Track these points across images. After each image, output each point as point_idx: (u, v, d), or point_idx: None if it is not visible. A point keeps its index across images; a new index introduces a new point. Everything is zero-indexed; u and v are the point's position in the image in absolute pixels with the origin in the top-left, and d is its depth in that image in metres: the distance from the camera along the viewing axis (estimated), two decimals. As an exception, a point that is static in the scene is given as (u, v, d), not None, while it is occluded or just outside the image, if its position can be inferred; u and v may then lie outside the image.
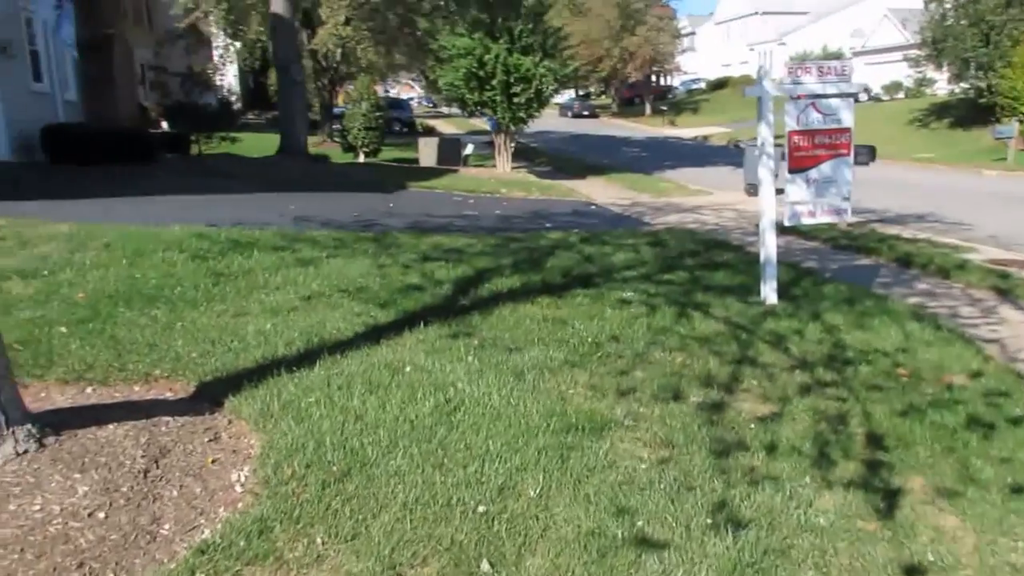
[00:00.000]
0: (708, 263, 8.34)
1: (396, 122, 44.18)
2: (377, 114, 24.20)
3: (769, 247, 6.56)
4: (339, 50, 29.45)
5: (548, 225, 11.21)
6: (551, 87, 19.00)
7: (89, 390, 4.42)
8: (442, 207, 12.70)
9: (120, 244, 7.37)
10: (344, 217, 10.42)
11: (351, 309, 5.89)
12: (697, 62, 65.93)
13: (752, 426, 4.16)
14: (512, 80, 18.64)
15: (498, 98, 18.80)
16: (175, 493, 3.41)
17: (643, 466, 3.68)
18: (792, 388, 4.70)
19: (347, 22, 25.85)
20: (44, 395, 4.34)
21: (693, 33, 68.74)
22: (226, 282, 6.44)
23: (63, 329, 5.16)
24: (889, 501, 3.51)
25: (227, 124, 31.46)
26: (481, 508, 3.27)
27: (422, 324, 5.55)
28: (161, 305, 5.74)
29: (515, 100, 18.87)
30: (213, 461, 3.69)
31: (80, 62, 17.62)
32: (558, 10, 51.10)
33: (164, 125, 23.59)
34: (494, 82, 18.51)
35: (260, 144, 22.36)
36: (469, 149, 25.50)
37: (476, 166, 23.22)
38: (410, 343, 5.23)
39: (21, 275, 6.26)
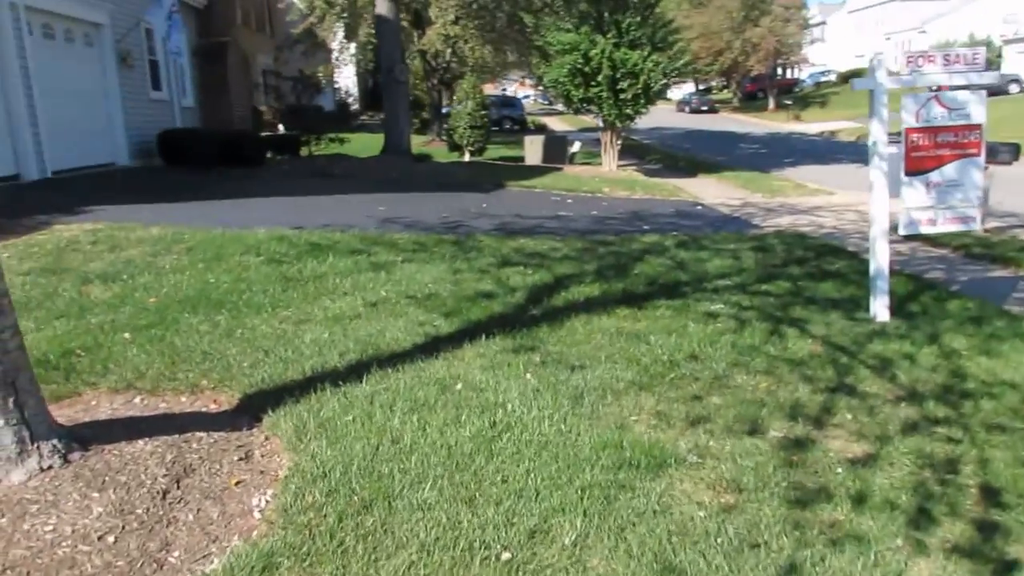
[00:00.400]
0: (815, 272, 7.66)
1: (507, 120, 44.34)
2: (482, 113, 24.17)
3: (880, 257, 5.89)
4: (448, 50, 29.68)
5: (645, 227, 10.71)
6: (660, 82, 18.35)
7: (137, 400, 4.37)
8: (537, 207, 12.41)
9: (202, 248, 7.46)
10: (432, 218, 10.29)
11: (415, 318, 5.68)
12: (827, 53, 62.89)
13: (839, 470, 3.63)
14: (619, 75, 18.12)
15: (604, 94, 18.32)
16: (191, 517, 3.26)
17: (701, 514, 3.24)
18: (894, 425, 4.11)
19: (456, 21, 25.96)
20: (95, 403, 4.32)
21: (823, 23, 65.63)
22: (295, 287, 6.37)
23: (127, 335, 5.19)
24: None
25: (342, 125, 32.42)
26: (506, 555, 2.94)
27: (485, 336, 5.27)
28: (226, 311, 5.71)
29: (621, 96, 18.34)
30: (237, 483, 3.52)
31: (195, 70, 18.46)
32: (678, 2, 49.95)
33: (280, 128, 24.43)
34: (599, 78, 18.05)
35: (369, 144, 22.76)
36: (576, 147, 25.11)
37: (582, 164, 22.82)
38: (468, 356, 4.95)
39: (103, 279, 6.40)
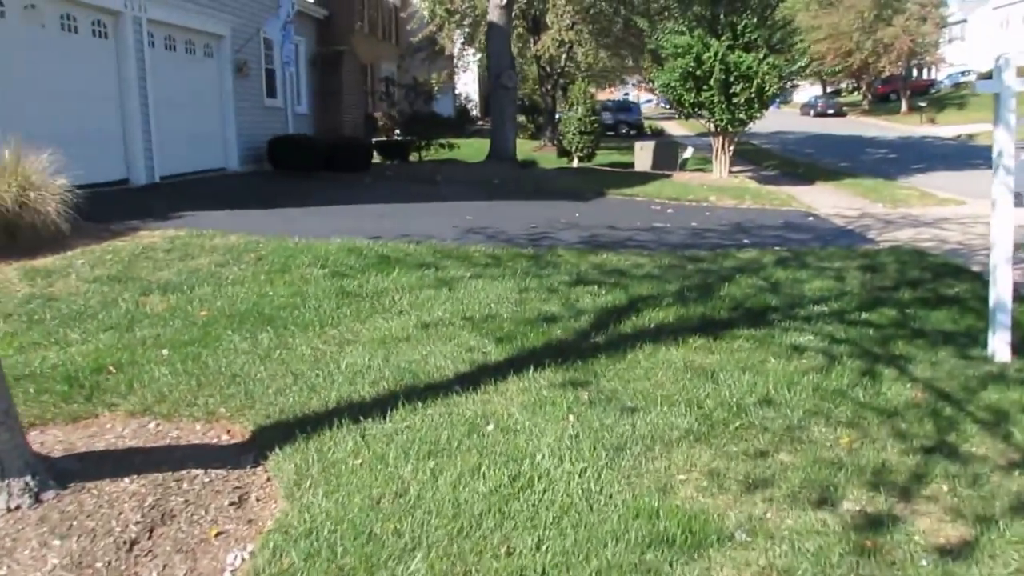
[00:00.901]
0: (929, 297, 6.65)
1: (623, 125, 43.42)
2: (592, 118, 23.57)
3: (1002, 286, 4.94)
4: (564, 55, 29.22)
5: (746, 241, 9.83)
6: (775, 85, 17.15)
7: (152, 425, 4.08)
8: (633, 217, 11.70)
9: (272, 257, 7.27)
10: (518, 228, 9.81)
11: (465, 342, 5.20)
12: (967, 52, 58.27)
13: (924, 562, 2.87)
14: (731, 79, 17.07)
15: (716, 98, 17.31)
16: (153, 575, 2.88)
17: (738, 618, 2.59)
18: (1002, 501, 3.28)
19: (571, 27, 25.43)
20: (109, 426, 4.07)
21: (963, 20, 60.90)
22: (351, 303, 6.02)
23: (164, 352, 4.96)
24: None
25: (458, 130, 32.51)
26: (483, 661, 2.39)
27: (535, 366, 4.72)
28: (273, 327, 5.41)
29: (734, 100, 17.28)
30: (218, 534, 3.13)
31: (312, 77, 18.76)
32: (806, 2, 47.43)
33: (396, 134, 24.55)
34: (711, 81, 17.05)
35: (479, 149, 22.55)
36: (688, 152, 24.08)
37: (695, 170, 21.81)
38: (511, 390, 4.41)
39: (163, 289, 6.26)
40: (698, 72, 17.20)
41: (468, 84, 46.55)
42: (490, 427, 3.93)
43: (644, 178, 18.60)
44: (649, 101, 71.65)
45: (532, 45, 27.76)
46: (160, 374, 4.59)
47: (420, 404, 4.18)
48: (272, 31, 14.16)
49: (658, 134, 40.92)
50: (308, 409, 4.16)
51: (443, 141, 23.07)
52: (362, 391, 4.39)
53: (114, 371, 4.65)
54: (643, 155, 23.08)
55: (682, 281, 7.07)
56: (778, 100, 55.79)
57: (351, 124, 19.47)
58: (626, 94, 64.53)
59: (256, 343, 5.14)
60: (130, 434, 3.98)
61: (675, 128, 46.58)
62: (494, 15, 18.82)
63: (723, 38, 17.27)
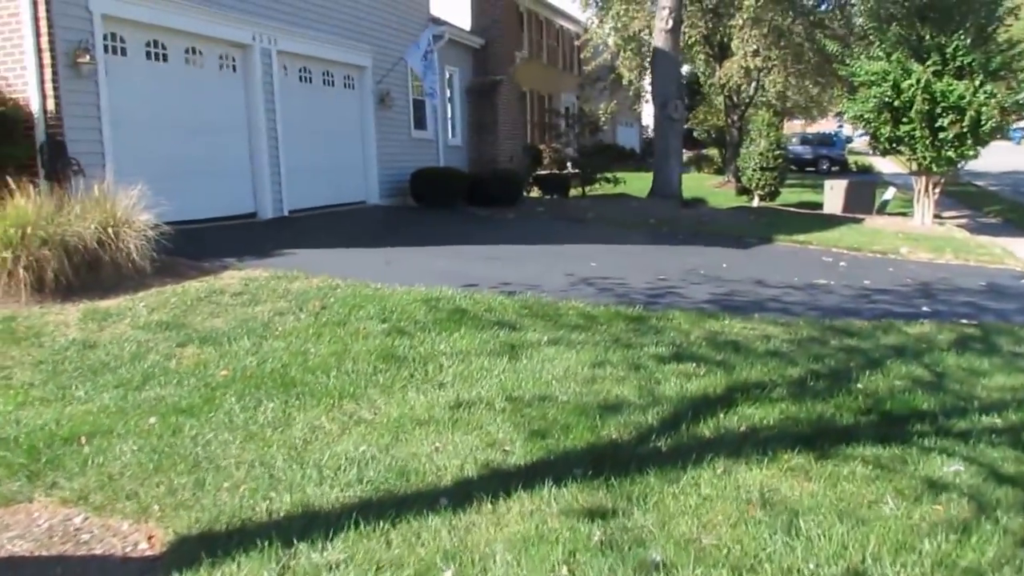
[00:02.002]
0: None
1: (824, 160, 40.44)
2: (776, 153, 21.82)
3: None
4: (753, 84, 27.55)
5: (925, 309, 8.17)
6: (993, 118, 14.77)
7: (78, 519, 3.57)
8: (792, 271, 10.24)
9: (338, 306, 6.77)
10: (642, 281, 8.76)
11: (491, 435, 4.33)
12: None
13: None
14: (938, 111, 14.95)
15: (917, 133, 15.23)
16: None
17: None
18: None
19: (756, 53, 23.86)
20: (36, 515, 3.61)
21: None
22: (390, 369, 5.33)
23: (152, 420, 4.51)
24: None
25: (640, 163, 31.59)
26: None
27: (558, 480, 3.76)
28: (284, 397, 4.83)
29: (940, 135, 15.11)
30: None
31: (465, 108, 18.69)
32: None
33: (568, 166, 24.00)
34: (912, 113, 15.02)
35: (646, 185, 21.54)
36: (889, 194, 21.66)
37: (896, 214, 19.50)
38: (511, 515, 3.50)
39: (204, 341, 5.90)
40: (896, 102, 15.23)
41: (649, 115, 45.45)
42: (448, 574, 3.03)
43: (828, 222, 16.75)
44: (862, 134, 66.84)
45: (716, 73, 26.36)
46: (124, 451, 4.11)
47: (382, 525, 3.37)
48: (413, 61, 14.07)
49: (864, 171, 37.73)
50: (249, 517, 3.48)
51: (609, 175, 22.26)
52: (326, 497, 3.64)
53: (84, 442, 4.23)
54: (833, 195, 20.99)
55: (811, 364, 5.76)
56: (1021, 134, 49.67)
57: (508, 156, 19.16)
58: (840, 126, 60.55)
59: (254, 416, 4.57)
60: (45, 531, 3.48)
61: (888, 165, 42.75)
62: (659, 40, 17.83)
63: (928, 63, 15.22)
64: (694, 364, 5.58)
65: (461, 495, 3.67)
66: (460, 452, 4.12)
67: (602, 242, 12.04)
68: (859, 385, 5.30)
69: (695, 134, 37.82)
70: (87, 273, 7.36)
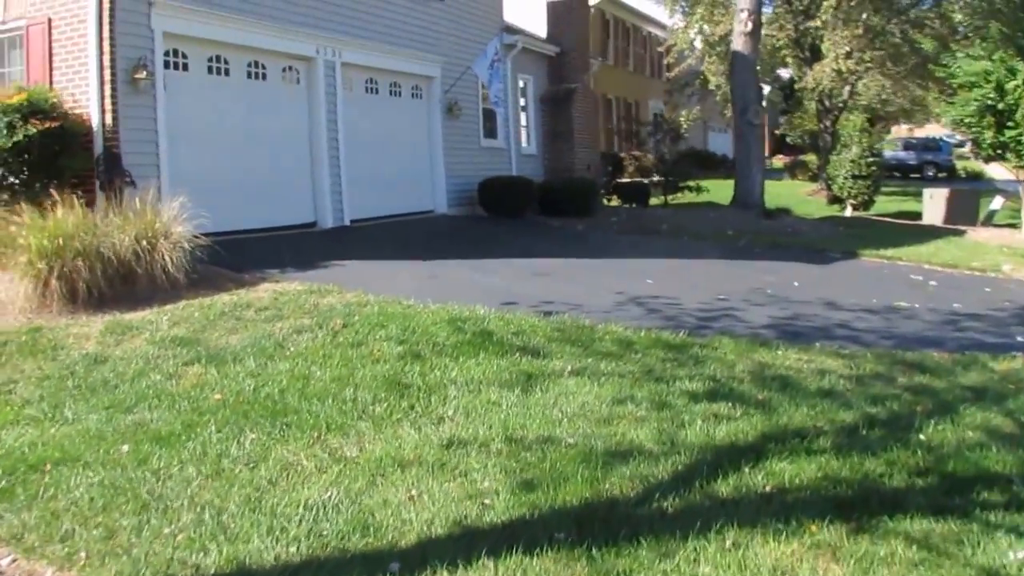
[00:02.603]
0: None
1: (930, 166, 37.93)
2: (869, 160, 20.39)
3: None
4: (847, 87, 25.99)
5: (1021, 339, 7.16)
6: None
7: (6, 560, 3.27)
8: (872, 291, 9.28)
9: (358, 326, 6.36)
10: (698, 300, 8.05)
11: (473, 485, 3.82)
12: None
13: None
14: (1048, 114, 13.54)
15: (1023, 138, 13.84)
16: None
17: None
18: None
19: (848, 55, 22.42)
20: (-34, 556, 3.31)
21: None
22: (391, 399, 4.88)
23: (124, 448, 4.19)
24: None
25: (732, 171, 30.29)
26: None
27: (535, 547, 3.21)
28: (271, 426, 4.46)
29: (1051, 141, 13.68)
30: None
31: (539, 116, 18.18)
32: None
33: (655, 174, 23.14)
34: (1017, 117, 13.64)
35: (731, 193, 20.53)
36: (997, 204, 19.90)
37: (1004, 226, 17.87)
38: (466, 591, 2.96)
39: (211, 359, 5.60)
40: (999, 105, 13.86)
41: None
42: (367, 669, 2.53)
43: (924, 235, 15.42)
44: (963, 141, 62.66)
45: (806, 77, 24.97)
46: (80, 483, 3.81)
47: (315, 597, 2.90)
48: (480, 70, 13.65)
49: (974, 178, 35.18)
50: (174, 574, 3.06)
51: (693, 183, 21.33)
52: (267, 554, 3.22)
53: (48, 470, 3.95)
54: (933, 205, 19.48)
55: (868, 407, 4.98)
56: None
57: (585, 165, 18.52)
58: (954, 133, 57.05)
59: (228, 449, 4.19)
60: (-34, 576, 3.17)
61: (1001, 171, 39.79)
62: (738, 43, 16.86)
63: (1038, 62, 13.80)
64: (729, 404, 4.90)
65: (417, 559, 3.16)
66: (435, 503, 3.62)
67: (667, 256, 11.32)
68: (921, 436, 4.50)
69: (788, 139, 36.19)
70: (121, 284, 7.23)
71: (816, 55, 25.87)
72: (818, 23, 22.03)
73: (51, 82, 8.54)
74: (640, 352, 5.94)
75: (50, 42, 8.50)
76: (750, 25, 16.79)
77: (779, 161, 38.96)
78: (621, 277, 9.39)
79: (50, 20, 8.50)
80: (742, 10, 16.94)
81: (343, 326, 6.39)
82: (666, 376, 5.40)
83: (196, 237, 7.66)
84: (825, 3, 21.02)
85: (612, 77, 30.98)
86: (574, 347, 5.99)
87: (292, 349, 5.83)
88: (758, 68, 28.07)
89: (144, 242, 7.24)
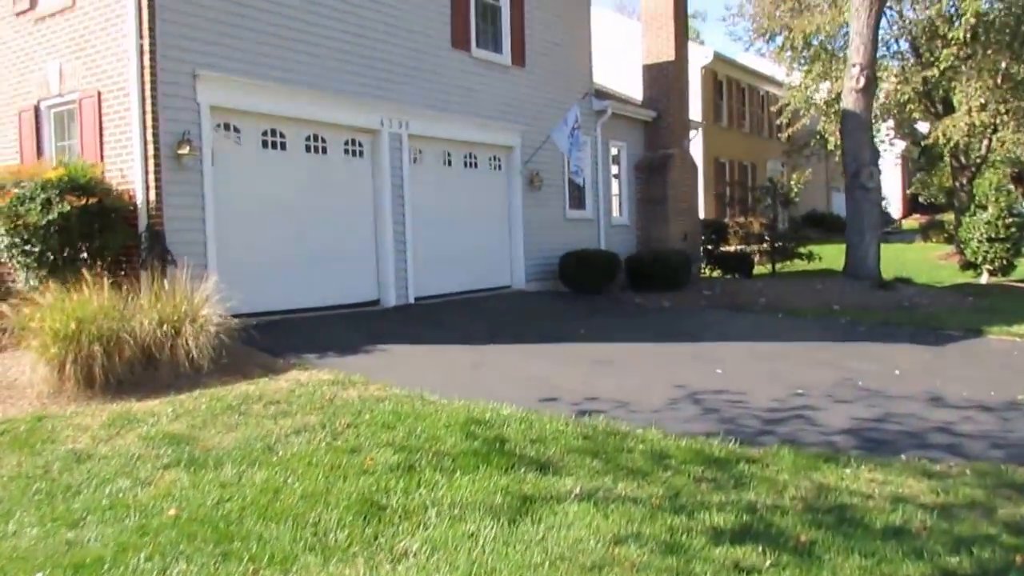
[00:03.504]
0: None
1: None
2: (1008, 220, 18.45)
3: None
4: (985, 142, 23.97)
5: None
6: None
7: None
8: (989, 382, 7.93)
9: (363, 427, 5.83)
10: (769, 397, 7.06)
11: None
12: None
13: None
14: None
15: None
16: None
17: None
18: None
19: (983, 107, 20.63)
20: None
21: None
22: (355, 525, 4.26)
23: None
24: None
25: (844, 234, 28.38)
26: None
27: None
28: (204, 557, 3.92)
29: None
30: None
31: (633, 184, 17.49)
32: None
33: (766, 240, 21.89)
34: None
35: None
36: None
37: None
38: None
39: (191, 463, 5.17)
40: None
41: (884, 178, 41.15)
42: None
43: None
44: None
45: (935, 132, 23.19)
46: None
47: None
48: (559, 139, 13.18)
49: None
50: None
51: (805, 250, 19.98)
52: None
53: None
54: (1087, 274, 17.34)
55: (948, 556, 3.93)
56: None
57: (681, 234, 17.61)
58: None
59: (144, 589, 3.67)
60: None
61: None
62: (848, 101, 15.67)
63: None
64: (759, 548, 3.98)
65: None
66: None
67: (752, 338, 10.28)
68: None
69: (920, 199, 33.80)
70: (143, 370, 7.04)
71: (949, 108, 24.10)
72: (936, 72, 20.42)
73: (102, 156, 8.66)
74: (672, 469, 5.09)
75: (100, 115, 8.65)
76: (862, 81, 15.63)
77: (914, 222, 36.48)
78: (689, 365, 8.48)
79: (100, 93, 8.66)
80: (853, 65, 15.81)
81: (347, 426, 5.87)
82: (692, 504, 4.53)
83: (226, 319, 7.46)
84: (946, 51, 19.50)
85: (725, 139, 29.98)
86: (596, 460, 5.21)
87: (281, 453, 5.34)
88: (874, 127, 26.60)
89: (167, 326, 7.04)
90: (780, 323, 11.79)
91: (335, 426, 5.87)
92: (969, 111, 21.07)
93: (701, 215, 24.19)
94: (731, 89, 30.63)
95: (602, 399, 6.85)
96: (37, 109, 9.49)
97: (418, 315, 11.07)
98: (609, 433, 5.77)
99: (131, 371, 6.91)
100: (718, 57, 29.63)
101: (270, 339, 8.63)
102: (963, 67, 23.42)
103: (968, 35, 19.48)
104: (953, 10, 20.44)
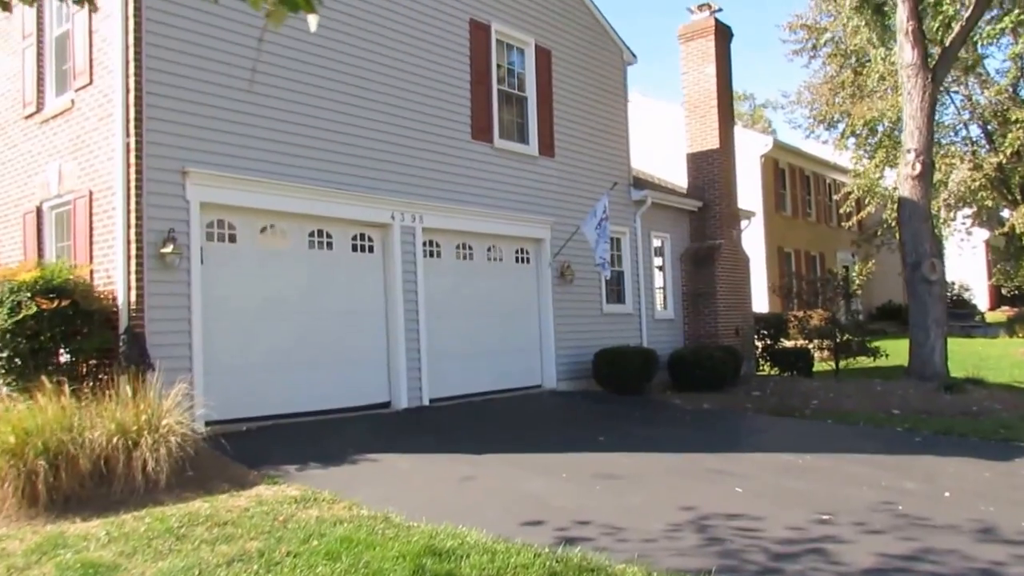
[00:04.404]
0: None
1: None
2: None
3: None
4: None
5: None
6: None
7: None
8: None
9: (304, 556, 5.25)
10: (784, 524, 6.20)
11: None
12: None
13: None
14: None
15: None
16: None
17: None
18: None
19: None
20: None
21: None
22: None
23: None
24: None
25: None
26: None
27: None
28: None
29: None
30: None
31: (679, 277, 16.87)
32: None
33: (838, 334, 20.69)
34: None
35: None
36: None
37: None
38: None
39: (96, 599, 4.67)
40: None
41: (967, 267, 39.00)
42: None
43: None
44: None
45: (1012, 220, 21.97)
46: None
47: None
48: (588, 230, 12.75)
49: None
50: None
51: (871, 344, 18.79)
52: None
53: None
54: None
55: None
56: None
57: (732, 329, 16.77)
58: None
59: None
60: None
61: None
62: (905, 189, 14.85)
63: None
64: None
65: None
66: None
67: (792, 449, 9.33)
68: None
69: (1003, 291, 31.96)
70: (96, 485, 6.64)
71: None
72: (1003, 157, 19.44)
73: (91, 256, 8.59)
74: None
75: (91, 215, 8.63)
76: (918, 167, 14.86)
77: (1002, 315, 34.49)
78: (708, 481, 7.65)
79: (91, 192, 8.65)
80: (908, 151, 15.08)
81: (288, 555, 5.30)
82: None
83: (189, 427, 7.07)
84: (1010, 135, 18.54)
85: (789, 228, 29.12)
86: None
87: (189, 590, 4.80)
88: (949, 214, 25.41)
89: (121, 439, 6.67)
90: (827, 431, 10.79)
91: (274, 555, 5.31)
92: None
93: (764, 308, 23.29)
94: (794, 177, 29.94)
95: (595, 523, 6.12)
96: (39, 210, 9.59)
97: (428, 419, 10.52)
98: (582, 570, 5.05)
99: (81, 487, 6.52)
100: (778, 145, 29.11)
101: (254, 448, 8.21)
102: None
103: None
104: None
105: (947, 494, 7.37)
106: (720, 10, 16.90)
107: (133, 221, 8.22)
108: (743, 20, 68.44)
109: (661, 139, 24.80)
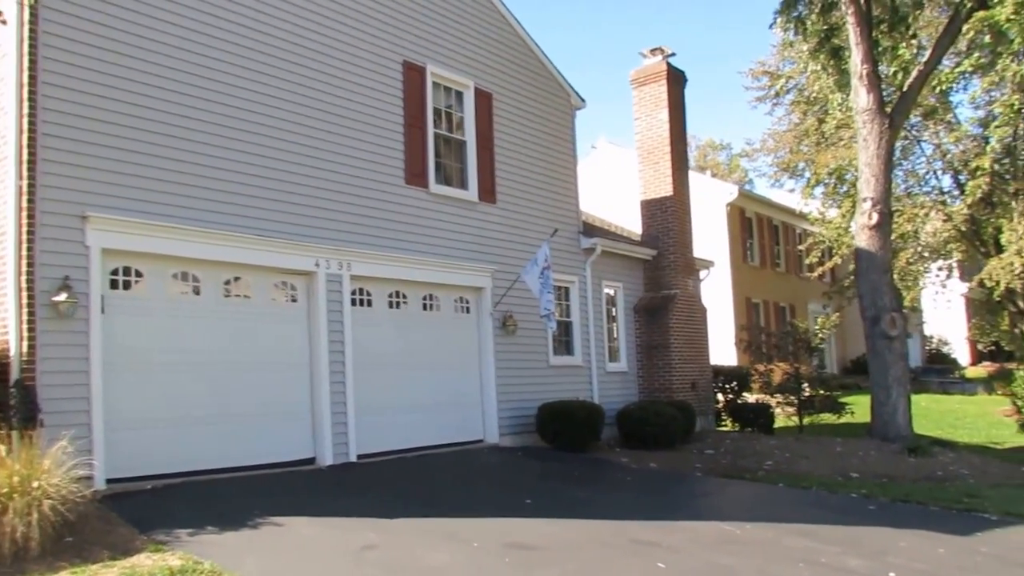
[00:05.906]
0: None
1: None
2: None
3: None
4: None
5: None
6: None
7: None
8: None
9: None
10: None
11: None
12: None
13: None
14: None
15: None
16: None
17: None
18: None
19: (1032, 246, 19.81)
20: None
21: None
22: None
23: None
24: None
25: (919, 385, 26.85)
26: None
27: None
28: None
29: None
30: None
31: (632, 329, 16.83)
32: None
33: (806, 390, 20.70)
34: None
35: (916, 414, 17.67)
36: None
37: None
38: None
39: None
40: None
41: (946, 321, 39.24)
42: None
43: None
44: None
45: (978, 274, 22.29)
46: None
47: None
48: (529, 279, 12.69)
49: None
50: None
51: (842, 400, 18.88)
52: None
53: None
54: None
55: None
56: None
57: (688, 383, 16.69)
58: None
59: None
60: None
61: None
62: (861, 239, 15.01)
63: None
64: None
65: None
66: None
67: (733, 517, 9.17)
68: None
69: (979, 346, 32.30)
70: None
71: (1000, 248, 23.28)
72: (964, 206, 19.79)
73: (-13, 306, 8.35)
74: None
75: (-11, 263, 8.40)
76: (875, 217, 15.04)
77: (982, 370, 34.83)
78: (631, 555, 7.45)
79: (-10, 240, 8.45)
80: (865, 199, 15.28)
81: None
82: None
83: (68, 488, 6.78)
84: (971, 183, 18.92)
85: (757, 279, 29.34)
86: None
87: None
88: (923, 266, 25.71)
89: (-14, 502, 6.40)
90: (776, 496, 10.66)
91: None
92: (1019, 251, 20.23)
93: (732, 360, 23.23)
94: (762, 226, 30.26)
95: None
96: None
97: (352, 478, 10.26)
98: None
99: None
100: (744, 193, 29.49)
101: (152, 509, 7.94)
102: (1013, 203, 22.75)
103: (994, 164, 18.98)
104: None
105: (892, 573, 7.20)
106: (673, 54, 17.15)
107: (24, 268, 8.01)
108: (717, 69, 69.99)
109: (630, 187, 25.01)
